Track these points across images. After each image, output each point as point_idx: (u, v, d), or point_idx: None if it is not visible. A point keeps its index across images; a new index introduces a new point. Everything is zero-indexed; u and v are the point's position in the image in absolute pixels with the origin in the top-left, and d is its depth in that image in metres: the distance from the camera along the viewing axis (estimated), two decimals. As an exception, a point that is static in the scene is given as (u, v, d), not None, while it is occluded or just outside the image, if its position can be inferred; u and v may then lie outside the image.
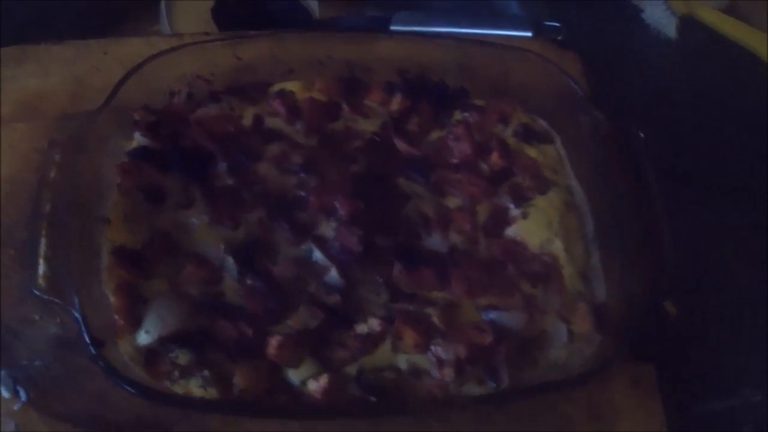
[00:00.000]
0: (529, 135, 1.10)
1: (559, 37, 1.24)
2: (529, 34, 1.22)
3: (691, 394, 1.03)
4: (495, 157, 1.07)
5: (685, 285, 1.02)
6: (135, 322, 0.91)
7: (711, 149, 1.24)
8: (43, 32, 1.25)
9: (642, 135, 1.04)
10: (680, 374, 1.02)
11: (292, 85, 1.11)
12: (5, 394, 0.91)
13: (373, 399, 0.89)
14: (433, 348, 0.91)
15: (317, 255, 0.96)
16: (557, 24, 1.25)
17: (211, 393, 0.88)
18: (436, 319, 0.93)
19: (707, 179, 1.20)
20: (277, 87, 1.11)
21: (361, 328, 0.92)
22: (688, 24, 1.38)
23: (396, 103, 1.11)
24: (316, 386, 0.88)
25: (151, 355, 0.89)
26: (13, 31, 1.26)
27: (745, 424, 1.02)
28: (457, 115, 1.11)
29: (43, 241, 0.91)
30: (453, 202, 1.04)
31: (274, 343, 0.89)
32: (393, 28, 1.27)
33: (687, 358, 1.04)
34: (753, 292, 1.10)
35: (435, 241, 1.00)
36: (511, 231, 1.02)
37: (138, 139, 1.04)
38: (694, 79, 1.34)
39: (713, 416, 1.03)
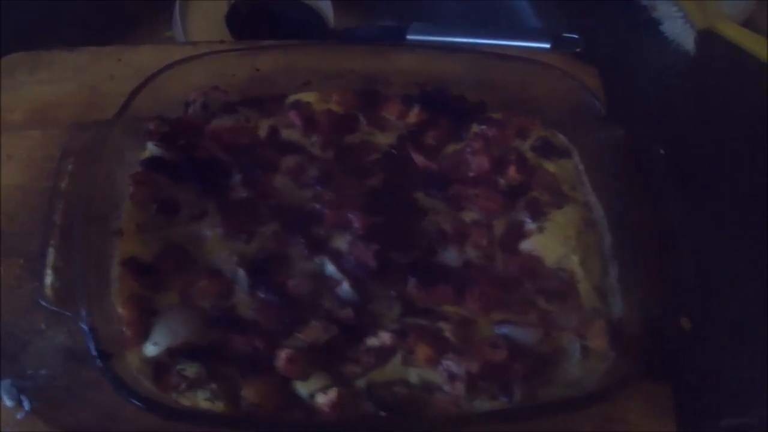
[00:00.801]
0: (547, 149, 1.09)
1: (578, 50, 1.23)
2: (548, 45, 1.21)
3: (705, 412, 1.02)
4: (512, 172, 1.06)
5: (701, 300, 1.01)
6: (144, 335, 0.90)
7: (729, 163, 1.22)
8: (56, 38, 1.26)
9: (662, 151, 1.04)
10: (695, 391, 1.01)
11: (308, 97, 1.11)
12: (7, 402, 0.91)
13: (383, 414, 0.88)
14: (444, 362, 0.90)
15: (330, 269, 0.96)
16: (575, 36, 1.24)
17: (219, 406, 0.87)
18: (449, 334, 0.92)
19: (726, 193, 1.19)
20: (293, 98, 1.11)
21: (372, 342, 0.91)
22: (707, 37, 1.37)
23: (413, 116, 1.10)
24: (324, 400, 0.87)
25: (159, 368, 0.89)
26: (26, 36, 1.27)
27: None
28: (475, 129, 1.10)
29: (52, 251, 0.91)
30: (469, 216, 1.03)
31: (283, 356, 0.88)
32: (409, 38, 1.26)
33: (702, 374, 1.03)
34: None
35: (450, 256, 0.99)
36: (527, 246, 1.01)
37: (151, 149, 1.03)
38: (713, 92, 1.32)
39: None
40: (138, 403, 0.83)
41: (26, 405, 0.90)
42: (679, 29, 1.37)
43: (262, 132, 1.07)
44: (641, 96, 1.29)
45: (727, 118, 1.28)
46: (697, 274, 0.95)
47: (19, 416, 0.90)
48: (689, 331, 0.97)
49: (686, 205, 1.00)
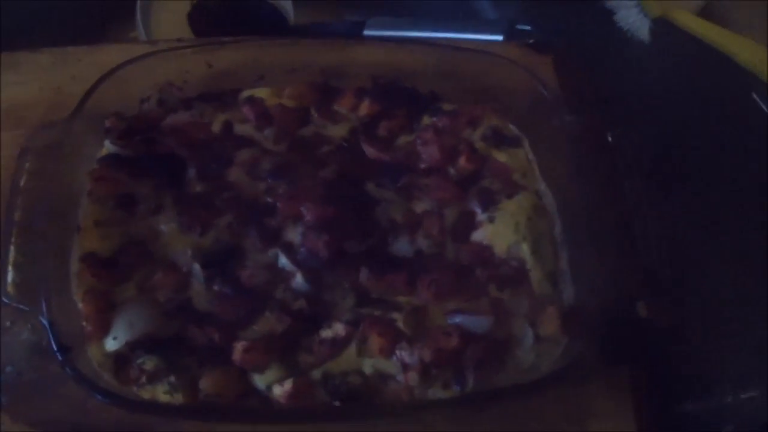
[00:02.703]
0: (498, 139, 1.10)
1: (531, 41, 1.24)
2: (500, 37, 1.22)
3: (666, 396, 1.03)
4: (463, 161, 1.07)
5: (661, 286, 1.02)
6: (104, 329, 0.92)
7: (686, 150, 1.24)
8: (23, 39, 1.25)
9: (610, 138, 1.05)
10: (655, 376, 1.03)
11: (261, 92, 1.11)
12: (-22, 401, 0.91)
13: (336, 403, 0.90)
14: (398, 352, 0.92)
15: (284, 261, 0.97)
16: (529, 27, 1.25)
17: (178, 398, 0.89)
18: (401, 324, 0.94)
19: (682, 180, 1.20)
20: (247, 94, 1.11)
21: (327, 333, 0.93)
22: (662, 26, 1.37)
23: (365, 108, 1.11)
24: (281, 391, 0.89)
25: (119, 362, 0.90)
26: None
27: (723, 425, 1.03)
28: (426, 120, 1.11)
29: (12, 248, 0.92)
30: (421, 206, 1.04)
31: (239, 348, 0.90)
32: (367, 33, 1.27)
33: (662, 359, 1.05)
34: (729, 292, 1.11)
35: (402, 246, 1.01)
36: (478, 235, 1.02)
37: (108, 147, 1.04)
38: (668, 80, 1.33)
39: (689, 417, 1.03)
40: (99, 397, 0.85)
41: (-2, 402, 0.91)
42: (633, 18, 1.37)
43: (217, 127, 1.08)
44: (597, 86, 1.29)
45: (683, 104, 1.29)
46: (655, 258, 0.97)
47: (-12, 413, 0.91)
48: (646, 317, 0.99)
49: (643, 189, 1.02)
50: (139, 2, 1.37)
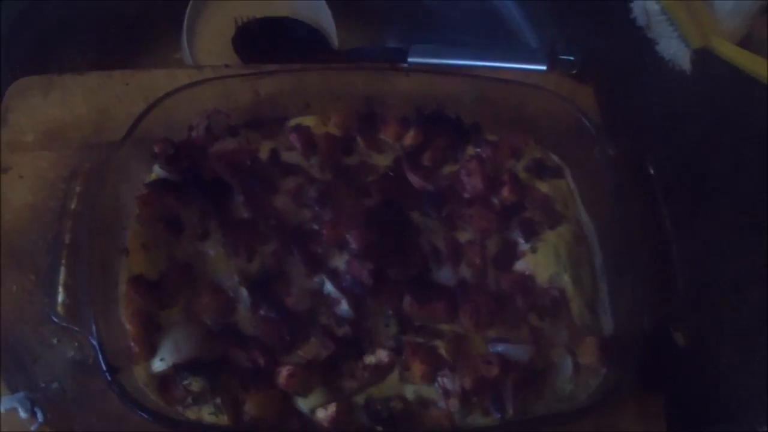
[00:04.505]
0: (540, 170, 1.11)
1: (573, 71, 1.25)
2: (544, 67, 1.23)
3: (699, 423, 1.03)
4: (506, 192, 1.08)
5: (695, 314, 1.03)
6: (150, 349, 0.93)
7: (724, 180, 1.24)
8: (67, 61, 1.29)
9: (652, 171, 1.05)
10: (689, 403, 1.03)
11: (308, 120, 1.12)
12: (23, 414, 0.93)
13: (380, 429, 0.91)
14: (439, 379, 0.93)
15: (329, 287, 0.98)
16: (572, 57, 1.25)
17: (223, 420, 0.90)
18: (443, 351, 0.95)
19: (720, 210, 1.20)
20: (293, 122, 1.12)
21: (370, 359, 0.94)
22: (703, 56, 1.36)
23: (410, 137, 1.11)
24: (324, 415, 0.91)
25: (164, 382, 0.92)
26: (38, 60, 1.29)
27: None
28: (470, 150, 1.12)
29: (62, 269, 0.94)
30: (464, 235, 1.05)
31: (284, 372, 0.91)
32: (411, 60, 1.28)
33: (694, 386, 1.05)
34: (762, 319, 1.10)
35: (445, 274, 1.02)
36: (520, 265, 1.03)
37: (157, 171, 1.05)
38: (708, 111, 1.32)
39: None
40: (146, 416, 0.87)
41: (39, 416, 0.93)
42: (674, 49, 1.37)
43: (264, 154, 1.09)
44: (637, 115, 1.30)
45: (722, 136, 1.29)
46: (690, 287, 0.98)
47: (33, 427, 0.93)
48: (683, 346, 0.99)
49: (678, 222, 1.02)
50: (185, 24, 1.39)
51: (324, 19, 1.44)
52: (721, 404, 1.06)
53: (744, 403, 1.05)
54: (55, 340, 0.98)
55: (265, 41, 1.40)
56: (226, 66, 1.21)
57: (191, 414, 0.91)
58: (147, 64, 1.38)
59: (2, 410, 0.94)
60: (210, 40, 1.42)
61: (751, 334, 1.09)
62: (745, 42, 1.38)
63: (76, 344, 0.97)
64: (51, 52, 1.34)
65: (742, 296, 1.12)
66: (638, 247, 1.00)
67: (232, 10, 1.41)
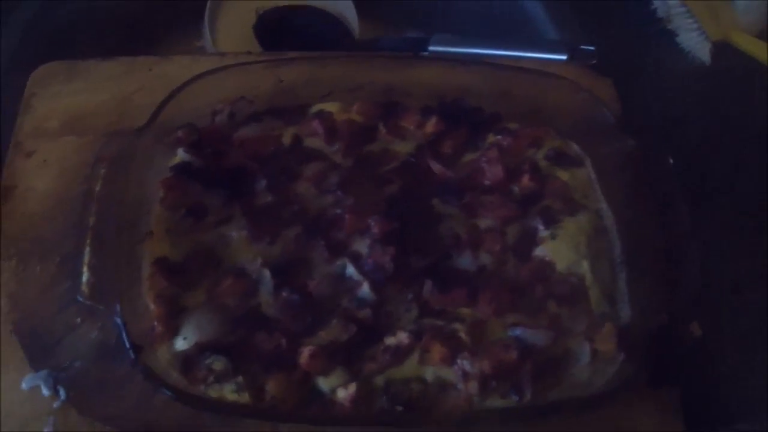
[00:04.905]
0: (560, 159, 1.11)
1: (594, 61, 1.25)
2: (564, 57, 1.23)
3: (716, 417, 1.04)
4: (526, 180, 1.08)
5: (711, 306, 1.03)
6: (173, 330, 0.94)
7: (742, 174, 1.25)
8: (91, 48, 1.29)
9: (671, 160, 1.06)
10: (705, 396, 1.03)
11: (330, 107, 1.13)
12: (45, 391, 0.95)
13: (399, 408, 0.92)
14: (459, 362, 0.93)
15: (350, 271, 0.99)
16: (592, 48, 1.26)
17: (244, 398, 0.91)
18: (463, 335, 0.95)
19: (737, 203, 1.21)
20: (316, 108, 1.13)
21: (390, 341, 0.95)
22: (723, 49, 1.38)
23: (431, 126, 1.12)
24: (344, 394, 0.91)
25: (187, 362, 0.93)
26: (61, 46, 1.31)
27: None
28: (491, 138, 1.12)
29: (87, 250, 0.95)
30: (484, 223, 1.05)
31: (306, 353, 0.92)
32: (431, 48, 1.29)
33: (712, 379, 1.05)
34: (762, 320, 1.10)
35: (465, 261, 1.02)
36: (539, 252, 1.03)
37: (181, 156, 1.06)
38: (728, 104, 1.33)
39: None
40: (169, 394, 0.88)
41: (62, 394, 0.95)
42: (694, 41, 1.39)
43: (286, 140, 1.10)
44: (657, 106, 1.31)
45: (741, 129, 1.30)
46: (707, 279, 0.97)
47: (55, 405, 0.94)
48: (699, 337, 0.99)
49: (695, 213, 1.02)
50: (207, 12, 1.40)
51: (345, 8, 1.45)
52: (736, 398, 1.06)
53: (758, 396, 1.05)
54: (78, 321, 0.99)
55: (286, 30, 1.41)
56: (249, 54, 1.22)
57: (213, 393, 0.91)
58: (169, 52, 1.38)
59: (25, 388, 0.95)
60: (231, 28, 1.43)
61: (750, 334, 1.10)
62: (764, 36, 1.39)
63: (100, 325, 0.98)
64: (74, 41, 1.36)
65: (742, 297, 1.13)
66: (655, 240, 1.00)
67: (253, -1, 1.41)
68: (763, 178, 1.24)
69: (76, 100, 1.17)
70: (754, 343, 1.09)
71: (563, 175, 1.10)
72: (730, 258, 1.13)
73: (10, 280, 1.02)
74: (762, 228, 1.18)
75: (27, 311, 1.00)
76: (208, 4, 1.40)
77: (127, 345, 0.89)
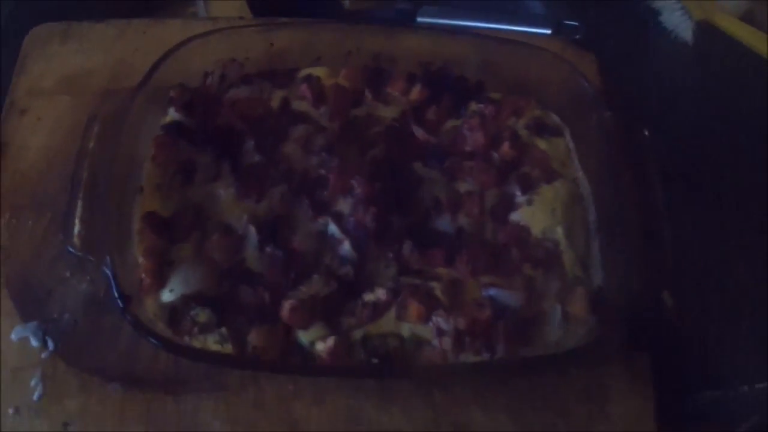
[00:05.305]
0: (540, 128, 1.13)
1: (577, 36, 1.27)
2: (548, 31, 1.25)
3: (685, 384, 1.06)
4: (506, 148, 1.10)
5: (685, 278, 1.05)
6: (161, 282, 0.96)
7: (717, 151, 1.26)
8: (86, 10, 1.30)
9: (647, 133, 1.08)
10: (676, 363, 1.05)
11: (319, 71, 1.15)
12: (34, 343, 0.97)
13: (375, 361, 0.94)
14: (434, 319, 0.96)
15: (333, 229, 1.01)
16: (576, 23, 1.28)
17: (227, 349, 0.94)
18: (439, 293, 0.98)
19: (712, 180, 1.23)
20: (304, 72, 1.15)
21: (369, 297, 0.97)
22: (705, 29, 1.39)
23: (416, 92, 1.14)
24: (323, 347, 0.94)
25: (173, 313, 0.95)
26: (57, 7, 1.31)
27: (750, 415, 1.05)
28: (473, 107, 1.14)
29: (79, 204, 0.97)
30: (464, 187, 1.08)
31: (287, 306, 0.95)
32: (419, 20, 1.31)
33: (683, 348, 1.07)
34: (751, 288, 1.13)
35: (444, 223, 1.05)
36: (516, 216, 1.06)
37: (172, 115, 1.08)
38: (707, 82, 1.35)
39: (708, 405, 1.07)
40: (155, 342, 0.91)
41: (50, 345, 0.97)
42: (677, 20, 1.40)
43: (275, 103, 1.12)
44: (638, 82, 1.32)
45: (719, 107, 1.32)
46: (680, 252, 1.00)
47: (43, 356, 0.97)
48: (671, 306, 1.02)
49: (673, 186, 1.05)
50: (200, -22, 1.41)
51: (336, -23, 1.46)
52: (706, 365, 1.08)
53: (726, 364, 1.08)
54: (68, 274, 1.01)
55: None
56: (241, 18, 1.24)
57: (197, 343, 0.94)
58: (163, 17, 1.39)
59: (15, 339, 0.97)
60: (224, -4, 1.43)
61: (739, 302, 1.12)
62: (746, 18, 1.40)
63: (89, 279, 1.00)
64: (70, 4, 1.36)
65: (732, 266, 1.15)
66: (629, 210, 1.02)
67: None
68: (742, 155, 1.26)
69: (70, 61, 1.19)
70: (729, 313, 1.12)
71: (542, 144, 1.12)
72: (704, 231, 1.15)
73: (3, 234, 1.04)
74: (739, 202, 1.21)
75: (18, 265, 1.02)
76: (202, -30, 1.42)
77: (116, 294, 0.91)
